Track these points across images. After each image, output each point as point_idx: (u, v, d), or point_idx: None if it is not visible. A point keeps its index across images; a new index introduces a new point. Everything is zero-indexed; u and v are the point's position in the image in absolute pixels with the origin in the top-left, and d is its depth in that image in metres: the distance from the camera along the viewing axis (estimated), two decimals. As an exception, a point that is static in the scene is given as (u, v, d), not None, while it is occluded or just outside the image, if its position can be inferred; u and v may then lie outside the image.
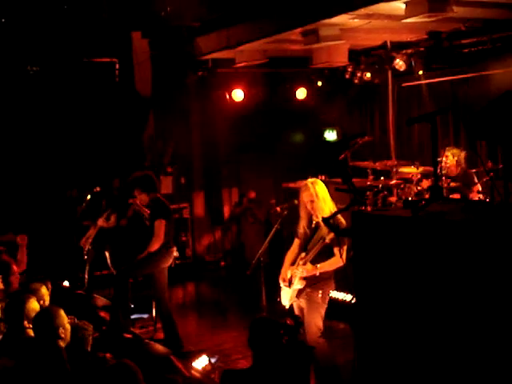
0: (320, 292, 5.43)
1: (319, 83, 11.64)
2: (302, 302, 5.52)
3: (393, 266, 3.77)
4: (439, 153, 7.83)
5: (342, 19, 7.53)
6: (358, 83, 10.78)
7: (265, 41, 8.76)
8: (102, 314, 7.32)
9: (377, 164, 8.78)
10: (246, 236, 11.45)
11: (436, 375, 3.53)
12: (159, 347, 6.42)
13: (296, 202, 5.81)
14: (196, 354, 6.37)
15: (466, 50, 8.93)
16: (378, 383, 3.99)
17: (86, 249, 8.45)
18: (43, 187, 9.80)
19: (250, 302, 7.42)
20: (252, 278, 6.13)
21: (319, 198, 5.46)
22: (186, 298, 10.09)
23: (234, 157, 11.76)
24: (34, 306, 4.71)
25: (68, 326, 4.45)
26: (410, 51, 9.53)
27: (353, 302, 7.36)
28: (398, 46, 9.71)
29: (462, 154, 7.94)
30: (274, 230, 6.08)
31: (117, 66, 10.42)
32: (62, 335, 4.35)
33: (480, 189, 7.74)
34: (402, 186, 8.31)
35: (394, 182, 8.59)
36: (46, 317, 4.38)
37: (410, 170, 8.31)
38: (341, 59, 9.35)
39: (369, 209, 4.45)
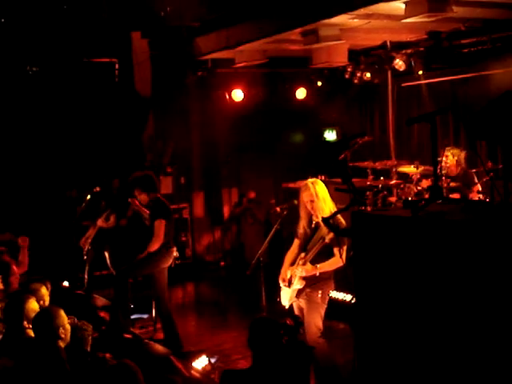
0: (320, 292, 5.43)
1: (319, 83, 11.64)
2: (302, 302, 5.52)
3: (393, 266, 3.77)
4: (439, 153, 7.83)
5: (341, 19, 7.53)
6: (358, 83, 10.78)
7: (264, 41, 8.76)
8: (102, 314, 7.32)
9: (376, 164, 8.79)
10: (246, 236, 11.45)
11: (436, 375, 3.53)
12: (159, 347, 6.42)
13: (296, 202, 5.81)
14: (196, 354, 6.37)
15: (466, 50, 8.93)
16: (377, 383, 3.99)
17: (86, 249, 8.46)
18: (43, 187, 9.80)
19: (250, 302, 7.41)
20: (252, 278, 6.12)
21: (319, 197, 5.45)
22: (186, 298, 10.09)
23: (233, 157, 11.75)
24: (33, 306, 4.71)
25: (68, 327, 4.45)
26: (409, 51, 9.53)
27: (353, 302, 7.36)
28: (398, 46, 9.71)
29: (462, 154, 7.94)
30: (273, 230, 6.08)
31: (116, 66, 10.42)
32: (62, 335, 4.35)
33: (480, 189, 7.74)
34: (401, 185, 8.31)
35: (393, 181, 8.59)
36: (46, 317, 4.37)
37: (410, 170, 8.32)
38: (340, 59, 9.35)
39: (369, 209, 4.44)
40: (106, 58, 10.28)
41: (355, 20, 7.61)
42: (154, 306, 7.42)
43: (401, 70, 9.73)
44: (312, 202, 5.46)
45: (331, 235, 5.26)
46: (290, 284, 5.54)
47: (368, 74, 10.43)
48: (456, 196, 7.58)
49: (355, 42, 9.31)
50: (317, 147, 11.64)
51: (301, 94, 11.64)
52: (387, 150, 10.91)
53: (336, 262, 5.37)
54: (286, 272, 5.60)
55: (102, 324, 6.79)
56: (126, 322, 6.91)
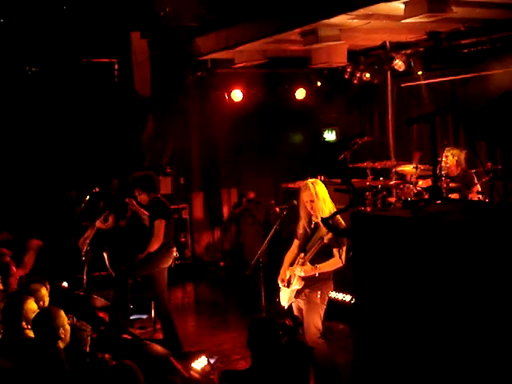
0: (319, 293, 5.42)
1: (318, 83, 11.64)
2: (301, 303, 5.52)
3: (392, 266, 3.77)
4: (438, 153, 7.83)
5: (341, 19, 7.53)
6: (358, 83, 10.78)
7: (264, 41, 8.76)
8: (101, 314, 7.32)
9: (376, 164, 8.78)
10: (245, 236, 11.45)
11: (435, 376, 3.52)
12: (158, 348, 6.41)
13: (295, 202, 5.81)
14: (195, 355, 6.36)
15: (466, 51, 8.93)
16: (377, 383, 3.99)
17: (84, 249, 8.45)
18: (42, 188, 9.79)
19: (250, 303, 7.41)
20: (251, 279, 6.12)
21: (319, 198, 5.45)
22: (185, 298, 10.08)
23: (233, 157, 11.75)
24: (31, 306, 4.71)
25: (68, 327, 4.44)
26: (409, 51, 9.53)
27: (352, 302, 7.36)
28: (398, 47, 9.71)
29: (462, 154, 7.94)
30: (273, 230, 6.08)
31: (116, 67, 10.42)
32: (62, 336, 4.35)
33: (479, 189, 7.74)
34: (401, 186, 8.31)
35: (393, 182, 8.59)
36: (46, 317, 4.37)
37: (410, 170, 8.32)
38: (340, 59, 9.35)
39: (368, 209, 4.45)
40: (106, 58, 10.28)
41: (355, 20, 7.60)
42: (153, 306, 7.41)
43: (400, 70, 9.73)
44: (312, 202, 5.45)
45: (330, 235, 5.26)
46: (289, 284, 5.53)
47: (367, 75, 10.43)
48: (455, 196, 7.58)
49: (355, 42, 9.31)
50: (316, 147, 11.64)
51: (300, 94, 11.63)
52: (387, 151, 10.90)
53: (335, 262, 5.37)
54: (285, 272, 5.60)
55: (100, 324, 6.78)
56: (125, 322, 6.91)
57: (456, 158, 7.90)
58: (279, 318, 4.48)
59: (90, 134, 10.01)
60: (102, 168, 9.92)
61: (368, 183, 8.48)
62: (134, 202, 7.30)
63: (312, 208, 5.47)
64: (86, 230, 8.65)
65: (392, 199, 8.56)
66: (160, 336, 7.13)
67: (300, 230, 5.65)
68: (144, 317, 7.86)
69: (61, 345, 4.33)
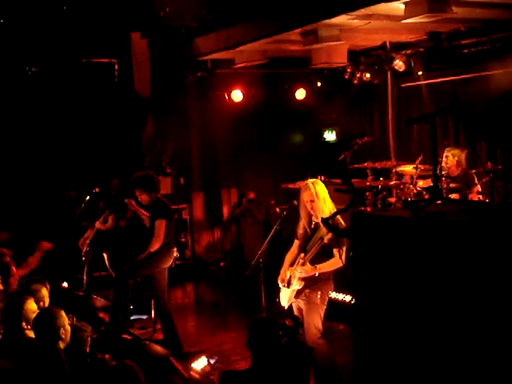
0: (319, 293, 5.42)
1: (318, 84, 11.64)
2: (301, 303, 5.51)
3: (392, 266, 3.76)
4: (439, 153, 7.82)
5: (341, 20, 7.53)
6: (358, 83, 10.78)
7: (264, 41, 8.76)
8: (101, 314, 7.32)
9: (376, 164, 8.78)
10: (246, 237, 11.45)
11: (435, 376, 3.52)
12: (158, 348, 6.41)
13: (295, 202, 5.81)
14: (195, 355, 6.36)
15: (466, 51, 8.93)
16: (377, 384, 3.98)
17: (84, 250, 8.45)
18: (42, 188, 9.79)
19: (250, 303, 7.41)
20: (251, 279, 6.12)
21: (319, 198, 5.45)
22: (185, 298, 10.08)
23: (233, 157, 11.75)
24: (31, 306, 4.71)
25: (68, 327, 4.44)
26: (409, 52, 9.53)
27: (352, 302, 7.36)
28: (398, 47, 9.71)
29: (463, 155, 7.93)
30: (273, 230, 6.08)
31: (116, 67, 10.42)
32: (63, 336, 4.35)
33: (480, 189, 7.74)
34: (401, 186, 8.31)
35: (393, 182, 8.59)
36: (47, 317, 4.36)
37: (410, 170, 8.31)
38: (340, 60, 9.35)
39: (368, 209, 4.45)
40: (106, 58, 10.28)
41: (355, 20, 7.60)
42: (153, 306, 7.41)
43: (400, 70, 9.73)
44: (312, 202, 5.45)
45: (330, 236, 5.25)
46: (289, 285, 5.53)
47: (368, 75, 10.43)
48: (456, 196, 7.58)
49: (355, 42, 9.31)
50: (316, 148, 11.64)
51: (300, 94, 11.63)
52: (387, 151, 10.91)
53: (335, 262, 5.37)
54: (285, 272, 5.60)
55: (101, 325, 6.78)
56: (125, 322, 6.91)
57: (456, 158, 7.90)
58: (279, 318, 4.47)
59: (90, 134, 10.01)
60: (101, 168, 9.91)
61: (368, 183, 8.48)
62: (133, 203, 7.29)
63: (312, 208, 5.47)
64: (85, 231, 8.65)
65: (392, 199, 8.55)
66: (160, 336, 7.13)
67: (300, 230, 5.65)
68: (144, 317, 7.86)
69: (61, 345, 4.33)
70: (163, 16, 9.42)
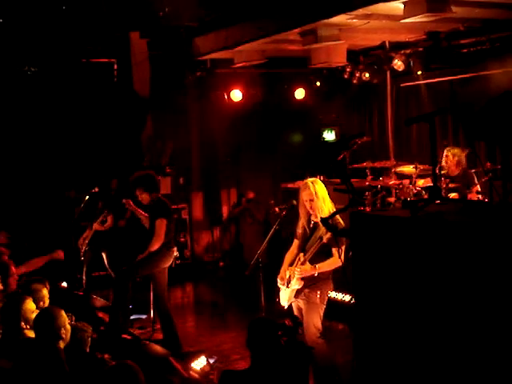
0: (318, 292, 5.42)
1: (318, 83, 11.63)
2: (301, 303, 5.51)
3: (392, 266, 3.76)
4: (438, 153, 7.83)
5: (340, 19, 7.53)
6: (357, 83, 10.77)
7: (263, 41, 8.76)
8: (101, 314, 7.31)
9: (375, 164, 8.79)
10: (245, 236, 11.45)
11: (435, 376, 3.52)
12: (158, 348, 6.41)
13: (295, 202, 5.81)
14: (194, 355, 6.36)
15: (465, 50, 8.93)
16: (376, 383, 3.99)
17: (83, 250, 8.45)
18: (41, 188, 9.79)
19: (249, 303, 7.41)
20: (251, 279, 6.12)
21: (319, 197, 5.45)
22: (185, 298, 10.08)
23: (232, 157, 11.74)
24: (30, 306, 4.70)
25: (68, 327, 4.44)
26: (408, 51, 9.53)
27: (352, 302, 7.36)
28: (397, 46, 9.71)
29: (463, 154, 7.93)
30: (272, 230, 6.08)
31: (115, 67, 10.41)
32: (63, 336, 4.35)
33: (479, 189, 7.74)
34: (400, 186, 8.31)
35: (392, 182, 8.59)
36: (48, 318, 4.36)
37: (409, 170, 8.32)
38: (339, 59, 9.35)
39: (367, 209, 4.44)
40: (105, 58, 10.27)
41: (354, 20, 7.60)
42: (152, 306, 7.41)
43: (400, 70, 9.73)
44: (311, 201, 5.45)
45: (329, 235, 5.25)
46: (288, 284, 5.53)
47: (367, 74, 10.43)
48: (455, 196, 7.59)
49: (354, 42, 9.31)
50: (315, 147, 11.64)
51: (299, 94, 11.63)
52: (386, 151, 10.91)
53: (335, 262, 5.37)
54: (284, 272, 5.60)
55: (100, 325, 6.78)
56: (125, 322, 6.91)
57: (457, 157, 7.90)
58: (279, 317, 4.47)
59: (90, 134, 10.01)
60: (101, 168, 9.92)
61: (367, 183, 8.48)
62: (131, 203, 7.30)
63: (311, 207, 5.46)
64: (84, 231, 8.65)
65: (391, 199, 8.56)
66: (159, 336, 7.12)
67: (299, 230, 5.65)
68: (143, 317, 7.86)
69: (61, 345, 4.34)
70: (162, 16, 9.42)
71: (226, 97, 11.11)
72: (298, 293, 5.49)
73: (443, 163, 7.91)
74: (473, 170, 7.98)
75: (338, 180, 8.64)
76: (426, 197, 6.96)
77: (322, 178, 8.84)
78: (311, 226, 5.55)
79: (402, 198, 7.90)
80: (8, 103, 9.43)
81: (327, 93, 11.73)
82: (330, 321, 6.60)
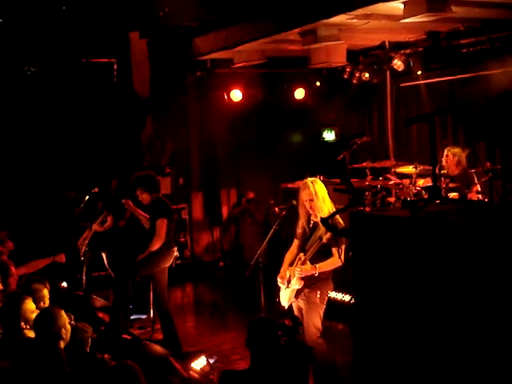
0: (318, 292, 5.42)
1: (317, 83, 11.63)
2: (301, 303, 5.52)
3: (392, 266, 3.76)
4: (438, 153, 7.83)
5: (340, 19, 7.52)
6: (357, 83, 10.77)
7: (263, 41, 8.76)
8: (100, 314, 7.32)
9: (375, 164, 8.79)
10: (245, 236, 11.45)
11: (435, 376, 3.52)
12: (157, 348, 6.41)
13: (294, 202, 5.81)
14: (194, 355, 6.36)
15: (465, 50, 8.92)
16: (376, 384, 3.98)
17: (83, 250, 8.45)
18: (41, 188, 9.79)
19: (249, 303, 7.41)
20: (251, 279, 6.12)
21: (318, 197, 5.44)
22: (185, 298, 10.08)
23: (232, 157, 11.74)
24: (29, 306, 4.70)
25: (68, 327, 4.45)
26: (408, 51, 9.53)
27: (352, 302, 7.36)
28: (397, 46, 9.71)
29: (464, 154, 7.93)
30: (272, 230, 6.08)
31: (115, 67, 10.40)
32: (64, 336, 4.35)
33: (479, 189, 7.74)
34: (400, 186, 8.32)
35: (392, 182, 8.59)
36: (48, 318, 4.36)
37: (409, 170, 8.32)
38: (339, 59, 9.35)
39: (367, 209, 4.44)
40: (105, 58, 10.27)
41: (354, 20, 7.60)
42: (152, 306, 7.41)
43: (399, 70, 9.73)
44: (311, 200, 5.45)
45: (329, 235, 5.25)
46: (288, 284, 5.53)
47: (367, 74, 10.43)
48: (455, 196, 7.59)
49: (354, 42, 9.30)
50: (315, 147, 11.64)
51: (299, 94, 11.62)
52: (386, 151, 10.91)
53: (334, 261, 5.37)
54: (285, 272, 5.60)
55: (100, 325, 6.78)
56: (125, 322, 6.91)
57: (457, 157, 7.90)
58: (279, 318, 4.47)
59: (89, 134, 10.01)
60: (101, 168, 9.92)
61: (367, 183, 8.48)
62: (131, 203, 7.30)
63: (311, 207, 5.46)
64: (84, 231, 8.65)
65: (391, 199, 8.57)
66: (159, 336, 7.12)
67: (299, 230, 5.65)
68: (143, 317, 7.86)
69: (61, 345, 4.34)
70: (162, 16, 9.41)
71: (225, 97, 11.11)
72: (298, 293, 5.49)
73: (443, 163, 7.92)
74: (473, 170, 7.98)
75: (338, 180, 8.65)
76: (425, 197, 6.96)
77: (321, 178, 8.85)
78: (311, 225, 5.55)
79: (402, 197, 7.90)
80: (8, 103, 9.43)
81: (327, 93, 11.73)
82: (330, 321, 6.60)
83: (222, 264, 11.55)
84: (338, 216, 5.34)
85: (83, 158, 9.95)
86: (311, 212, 5.49)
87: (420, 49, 9.39)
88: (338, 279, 5.68)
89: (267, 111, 11.56)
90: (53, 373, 4.12)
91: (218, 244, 11.82)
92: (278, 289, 5.67)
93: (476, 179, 7.87)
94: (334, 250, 5.37)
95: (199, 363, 6.21)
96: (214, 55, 10.14)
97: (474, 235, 3.28)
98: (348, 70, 10.65)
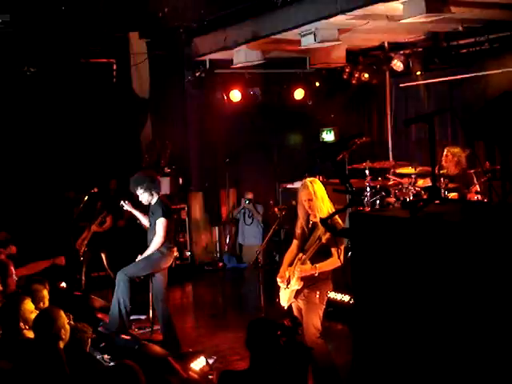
0: (318, 293, 5.42)
1: (317, 84, 11.62)
2: (301, 303, 5.51)
3: (391, 267, 3.76)
4: (437, 153, 7.83)
5: (339, 20, 7.53)
6: (356, 84, 10.78)
7: (262, 41, 8.76)
8: (100, 315, 7.31)
9: (375, 164, 8.79)
10: (244, 237, 11.45)
11: (435, 377, 3.52)
12: (157, 348, 6.40)
13: (294, 202, 5.81)
14: (194, 355, 6.35)
15: (464, 51, 8.94)
16: (376, 384, 3.99)
17: (82, 250, 8.45)
18: (41, 188, 9.79)
19: (248, 303, 7.41)
20: (250, 279, 6.12)
21: (317, 196, 5.44)
22: (184, 298, 10.08)
23: (231, 157, 11.74)
24: (29, 306, 4.70)
25: (68, 327, 4.45)
26: (407, 52, 9.54)
27: (351, 302, 7.36)
28: (396, 47, 9.72)
29: (464, 154, 7.93)
30: (272, 230, 6.09)
31: (114, 67, 10.41)
32: (63, 336, 4.35)
33: (478, 189, 7.75)
34: (399, 186, 8.32)
35: (391, 182, 8.59)
36: (48, 319, 4.35)
37: (408, 171, 8.33)
38: (338, 60, 9.37)
39: (367, 209, 4.44)
40: (104, 58, 10.28)
41: (353, 21, 7.60)
42: (151, 306, 7.41)
43: (399, 70, 9.74)
44: (310, 200, 5.44)
45: (328, 235, 5.25)
46: (287, 284, 5.53)
47: (366, 75, 10.44)
48: (454, 196, 7.59)
49: (353, 42, 9.32)
50: (315, 148, 11.63)
51: (299, 94, 11.62)
52: (385, 151, 10.91)
53: (334, 261, 5.36)
54: (284, 272, 5.59)
55: (99, 325, 6.78)
56: (125, 323, 6.91)
57: (456, 157, 7.90)
58: (278, 318, 4.47)
59: (89, 135, 10.01)
60: (100, 168, 9.92)
61: (367, 183, 8.48)
62: (129, 204, 7.30)
63: (310, 207, 5.46)
64: (83, 231, 8.65)
65: (391, 199, 8.56)
66: (158, 336, 7.12)
67: (298, 230, 5.64)
68: (143, 317, 7.85)
69: (61, 345, 4.34)
70: (162, 16, 9.43)
71: (225, 97, 11.11)
72: (297, 293, 5.49)
73: (443, 162, 7.92)
74: (472, 171, 7.99)
75: (338, 180, 8.64)
76: (425, 197, 6.96)
77: (321, 179, 8.85)
78: (310, 226, 5.54)
79: (402, 198, 7.91)
80: (7, 103, 9.43)
81: (326, 93, 11.73)
82: (330, 321, 6.60)
83: (221, 264, 11.54)
84: (337, 216, 5.34)
85: (82, 158, 9.95)
86: (310, 212, 5.49)
87: (419, 49, 9.41)
88: (338, 279, 5.69)
89: (266, 112, 11.56)
90: (52, 373, 4.12)
91: (218, 244, 11.81)
92: (278, 289, 5.67)
93: (475, 179, 7.88)
94: (333, 250, 5.37)
95: (198, 363, 6.20)
96: (213, 55, 10.15)
97: (474, 236, 3.29)
98: (347, 70, 10.65)
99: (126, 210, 7.55)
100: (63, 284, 8.25)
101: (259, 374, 4.00)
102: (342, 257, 5.21)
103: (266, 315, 5.69)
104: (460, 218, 3.63)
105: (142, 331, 7.55)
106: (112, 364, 5.21)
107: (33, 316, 4.58)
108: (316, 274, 5.37)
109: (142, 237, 7.18)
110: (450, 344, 3.41)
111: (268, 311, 5.92)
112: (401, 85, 10.74)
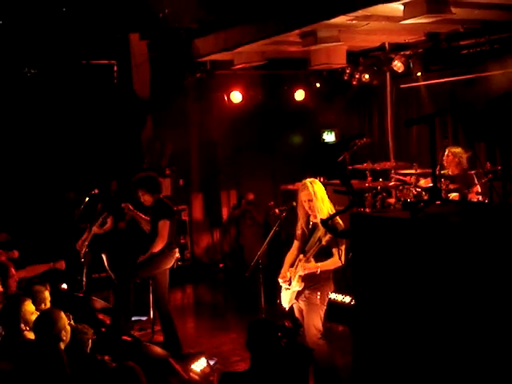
0: (318, 293, 5.42)
1: (317, 85, 11.63)
2: (302, 304, 5.51)
3: (392, 267, 3.76)
4: (438, 154, 7.83)
5: (340, 21, 7.53)
6: (357, 85, 10.77)
7: (263, 42, 8.76)
8: (101, 316, 7.31)
9: (375, 165, 8.79)
10: (245, 238, 11.44)
11: (435, 377, 3.52)
12: (158, 349, 6.41)
13: (294, 203, 5.80)
14: (194, 356, 6.35)
15: (465, 52, 8.93)
16: (377, 385, 3.98)
17: (83, 251, 8.44)
18: (41, 189, 9.79)
19: (249, 304, 7.40)
20: (251, 280, 6.12)
21: (317, 197, 5.44)
22: (185, 300, 10.08)
23: (232, 158, 11.75)
24: (29, 308, 4.70)
25: (68, 328, 4.45)
26: (408, 52, 9.53)
27: (352, 303, 7.36)
28: (397, 48, 9.71)
29: (465, 155, 7.93)
30: (272, 231, 6.08)
31: (115, 68, 10.41)
32: (64, 338, 4.35)
33: (479, 190, 7.74)
34: (400, 187, 8.32)
35: (392, 183, 8.59)
36: (49, 321, 4.35)
37: (409, 172, 8.33)
38: (339, 61, 9.35)
39: (367, 210, 4.44)
40: (105, 59, 10.28)
41: (354, 21, 7.60)
42: (152, 308, 7.41)
43: (399, 71, 9.73)
44: (310, 201, 5.44)
45: (328, 237, 5.25)
46: (289, 285, 5.52)
47: (367, 76, 10.43)
48: (455, 197, 7.59)
49: (354, 43, 9.30)
50: (315, 149, 11.64)
51: (299, 95, 11.62)
52: (386, 152, 10.91)
53: (335, 262, 5.36)
54: (285, 273, 5.59)
55: (100, 326, 6.77)
56: (126, 324, 6.91)
57: (457, 157, 7.90)
58: (279, 319, 4.47)
59: (90, 136, 10.01)
60: (101, 170, 9.91)
61: (367, 184, 8.48)
62: (131, 207, 7.30)
63: (310, 207, 5.45)
64: (84, 232, 8.64)
65: (391, 200, 8.56)
66: (159, 338, 7.12)
67: (298, 231, 5.64)
68: (143, 318, 7.85)
69: (62, 346, 4.33)
70: (162, 17, 9.42)
71: (225, 98, 11.11)
72: (298, 294, 5.49)
73: (444, 162, 7.93)
74: (473, 171, 7.98)
75: (338, 181, 8.64)
76: (426, 198, 6.96)
77: (322, 180, 8.85)
78: (310, 226, 5.54)
79: (402, 199, 7.90)
80: (8, 105, 9.43)
81: (327, 94, 11.73)
82: (331, 322, 6.59)
83: (221, 265, 11.54)
84: (337, 217, 5.33)
85: (83, 160, 9.95)
86: (310, 212, 5.48)
87: (420, 50, 9.39)
88: (339, 280, 5.68)
89: (267, 112, 11.56)
90: (53, 374, 4.12)
91: (218, 245, 11.82)
92: (279, 290, 5.66)
93: (476, 180, 7.88)
94: (334, 250, 5.37)
95: (199, 365, 6.20)
96: (213, 57, 10.14)
97: (474, 236, 3.28)
98: (348, 71, 10.65)
99: (127, 212, 7.55)
100: (64, 285, 8.25)
101: (260, 375, 4.00)
102: (342, 257, 5.21)
103: (267, 316, 5.68)
104: (461, 219, 3.63)
105: (142, 332, 7.55)
106: (113, 365, 5.20)
107: (33, 317, 4.58)
108: (318, 272, 5.37)
109: (142, 238, 7.18)
110: (451, 344, 3.41)
111: (269, 312, 5.91)
112: (401, 86, 10.73)
